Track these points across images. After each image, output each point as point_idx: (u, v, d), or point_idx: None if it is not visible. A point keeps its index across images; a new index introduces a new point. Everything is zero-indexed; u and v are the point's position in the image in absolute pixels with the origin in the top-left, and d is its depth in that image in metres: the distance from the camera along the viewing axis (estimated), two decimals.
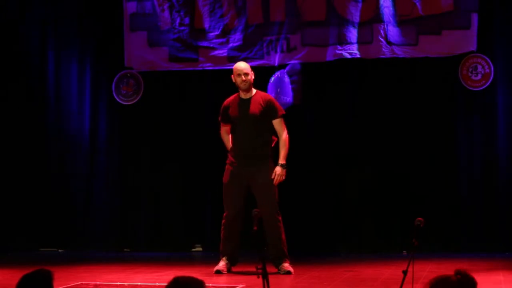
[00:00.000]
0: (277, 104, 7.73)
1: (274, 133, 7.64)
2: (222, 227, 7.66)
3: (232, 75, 7.64)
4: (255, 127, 7.55)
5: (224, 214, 7.66)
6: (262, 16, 9.44)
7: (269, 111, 7.57)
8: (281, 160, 7.55)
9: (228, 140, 7.76)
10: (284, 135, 7.61)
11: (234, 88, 7.74)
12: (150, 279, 7.29)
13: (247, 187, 7.60)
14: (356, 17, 9.16)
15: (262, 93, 7.79)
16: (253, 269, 7.59)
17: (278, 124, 7.60)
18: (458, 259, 8.53)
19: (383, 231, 9.40)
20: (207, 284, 6.68)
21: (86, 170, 10.06)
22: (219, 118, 7.79)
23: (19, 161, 10.04)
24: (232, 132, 7.71)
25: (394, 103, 9.37)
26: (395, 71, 9.36)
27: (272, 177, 7.49)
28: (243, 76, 7.59)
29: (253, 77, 7.66)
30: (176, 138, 9.91)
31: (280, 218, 7.51)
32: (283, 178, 7.54)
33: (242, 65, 7.69)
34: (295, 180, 9.50)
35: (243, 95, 7.66)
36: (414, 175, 9.34)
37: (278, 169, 7.51)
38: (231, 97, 7.75)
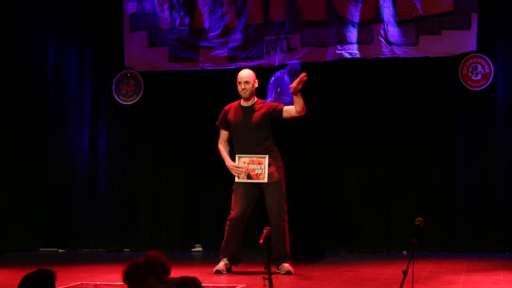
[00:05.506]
0: (277, 103, 7.73)
1: (274, 140, 7.66)
2: (226, 228, 7.66)
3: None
4: (256, 135, 7.57)
5: (230, 216, 7.65)
6: (262, 16, 9.44)
7: (272, 114, 7.58)
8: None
9: (225, 150, 7.75)
10: None
11: (234, 88, 7.75)
12: None
13: (257, 192, 7.60)
14: (356, 17, 9.16)
15: (263, 102, 7.78)
16: (253, 269, 7.58)
17: (288, 108, 7.57)
18: (458, 259, 8.54)
19: (383, 231, 9.41)
20: (207, 284, 6.69)
21: (86, 170, 10.07)
22: (217, 123, 7.80)
23: (19, 161, 10.04)
24: (234, 139, 7.72)
25: (394, 103, 9.37)
26: (395, 71, 9.36)
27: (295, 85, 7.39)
28: (243, 85, 7.62)
29: (256, 85, 7.67)
30: (176, 138, 9.91)
31: (286, 218, 7.52)
32: (300, 85, 7.37)
33: (244, 73, 7.70)
34: (295, 180, 9.52)
35: (244, 103, 7.69)
36: (414, 174, 9.34)
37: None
38: (233, 104, 7.77)
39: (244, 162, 7.57)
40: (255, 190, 7.61)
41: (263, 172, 7.53)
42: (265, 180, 7.51)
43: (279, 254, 7.51)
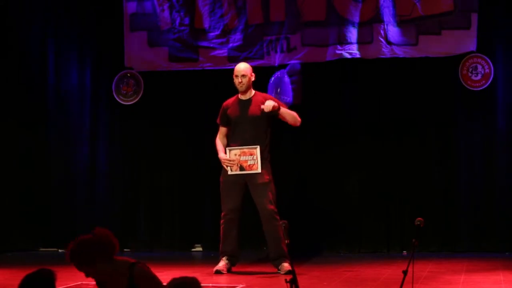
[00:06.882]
0: (277, 100, 7.73)
1: (271, 136, 7.65)
2: (221, 227, 7.67)
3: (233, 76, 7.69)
4: (254, 128, 7.56)
5: (222, 214, 7.66)
6: (262, 16, 9.44)
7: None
8: (281, 106, 7.56)
9: (221, 143, 7.73)
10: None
11: (234, 88, 7.75)
12: None
13: (244, 187, 7.60)
14: (356, 17, 9.16)
15: (262, 94, 7.80)
16: (253, 269, 7.57)
17: (284, 114, 7.60)
18: (458, 259, 8.54)
19: (383, 231, 9.41)
20: (207, 284, 6.69)
21: (86, 170, 10.07)
22: (218, 120, 7.80)
23: (19, 161, 10.04)
24: (231, 133, 7.71)
25: (394, 103, 9.37)
26: (395, 71, 9.36)
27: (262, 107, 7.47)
28: (240, 78, 7.62)
29: (252, 79, 7.67)
30: (176, 138, 9.91)
31: (278, 217, 7.47)
32: (270, 108, 7.44)
33: (240, 67, 7.70)
34: (295, 180, 9.52)
35: (242, 96, 7.69)
36: (414, 174, 9.34)
37: (271, 102, 7.47)
38: (231, 99, 7.77)
39: (235, 154, 7.54)
40: (244, 185, 7.59)
41: (256, 162, 7.48)
42: (259, 170, 7.45)
43: (277, 254, 7.50)
